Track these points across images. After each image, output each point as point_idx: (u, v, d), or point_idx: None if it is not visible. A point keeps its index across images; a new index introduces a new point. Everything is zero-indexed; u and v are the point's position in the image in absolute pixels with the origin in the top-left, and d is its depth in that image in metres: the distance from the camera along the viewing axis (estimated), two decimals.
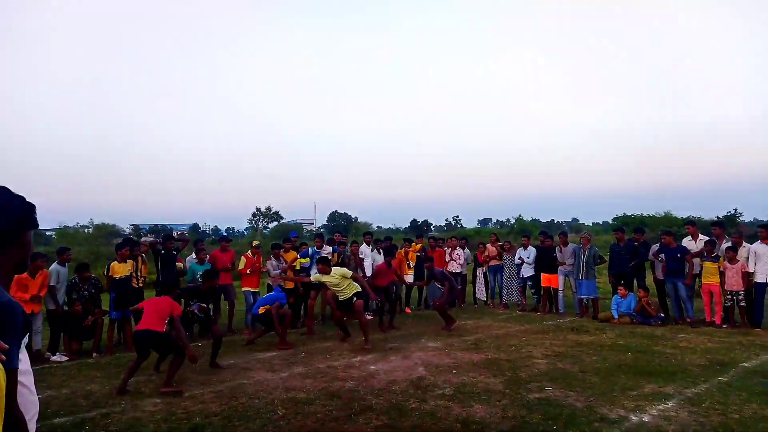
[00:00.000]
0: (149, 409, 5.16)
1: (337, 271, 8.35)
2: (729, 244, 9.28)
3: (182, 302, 7.20)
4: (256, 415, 4.88)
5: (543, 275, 11.39)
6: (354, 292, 8.26)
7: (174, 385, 5.76)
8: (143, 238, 11.26)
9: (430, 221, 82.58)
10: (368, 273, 11.00)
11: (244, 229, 71.71)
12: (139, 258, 8.88)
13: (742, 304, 8.99)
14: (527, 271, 11.73)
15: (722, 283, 9.15)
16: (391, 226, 78.91)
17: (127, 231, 40.66)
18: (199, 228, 73.18)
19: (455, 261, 12.52)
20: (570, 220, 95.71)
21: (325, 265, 8.31)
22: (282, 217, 68.71)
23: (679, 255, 9.64)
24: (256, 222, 67.63)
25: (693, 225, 10.36)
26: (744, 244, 9.19)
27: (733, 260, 9.01)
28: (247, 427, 4.59)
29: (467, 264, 12.96)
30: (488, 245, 12.95)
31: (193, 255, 9.96)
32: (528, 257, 11.72)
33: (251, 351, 7.86)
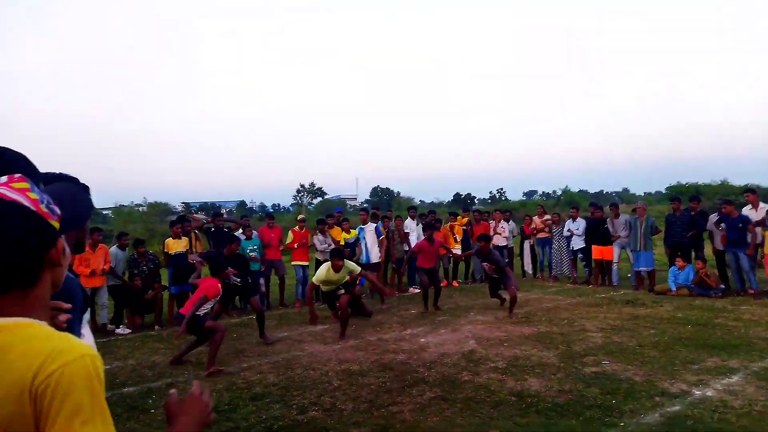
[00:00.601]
0: (212, 379, 5.37)
1: (348, 265, 7.26)
2: None
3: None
4: (312, 386, 5.00)
5: (594, 247, 11.08)
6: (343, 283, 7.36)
7: (215, 366, 5.64)
8: (196, 215, 11.59)
9: (473, 194, 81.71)
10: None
11: (290, 206, 72.94)
12: (192, 235, 9.16)
13: None
14: (577, 243, 11.44)
15: None
16: (434, 200, 78.46)
17: (179, 209, 41.97)
18: (246, 205, 74.76)
19: (500, 234, 12.37)
20: (620, 190, 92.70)
21: (338, 260, 7.10)
22: (325, 193, 69.46)
23: (740, 225, 9.18)
24: (300, 198, 68.64)
25: (753, 193, 9.82)
26: None
27: None
28: (304, 396, 4.72)
29: (513, 237, 12.78)
30: (535, 217, 12.70)
31: (241, 231, 10.20)
32: (577, 229, 11.43)
33: (302, 324, 8.03)
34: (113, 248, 8.58)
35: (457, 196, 77.48)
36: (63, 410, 0.95)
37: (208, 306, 6.27)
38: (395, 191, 79.66)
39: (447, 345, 6.34)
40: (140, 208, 38.34)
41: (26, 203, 1.08)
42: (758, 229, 9.10)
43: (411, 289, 11.06)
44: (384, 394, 4.68)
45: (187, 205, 48.10)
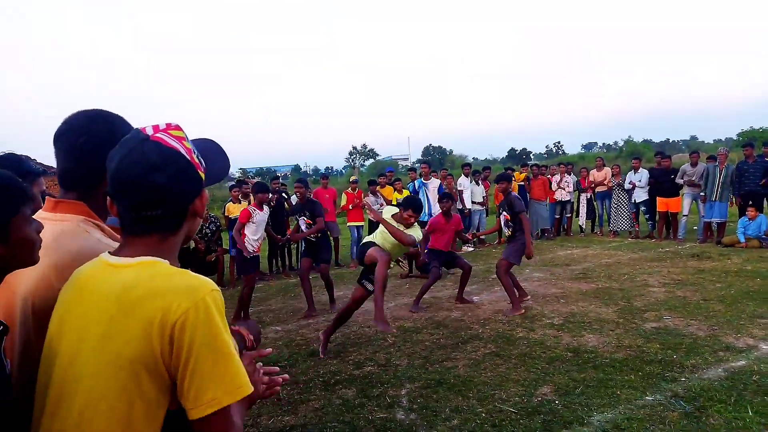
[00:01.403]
0: (271, 336, 5.61)
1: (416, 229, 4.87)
2: None
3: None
4: (367, 342, 5.14)
5: (659, 199, 10.61)
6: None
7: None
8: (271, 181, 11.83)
9: (529, 149, 79.52)
10: (468, 204, 10.91)
11: (342, 168, 73.61)
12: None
13: None
14: (640, 196, 10.99)
15: None
16: (488, 157, 77.05)
17: (237, 174, 43.18)
18: (300, 169, 76.02)
19: (563, 189, 12.04)
20: (688, 138, 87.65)
21: (414, 213, 4.75)
22: (377, 154, 69.56)
23: None
24: (353, 160, 69.06)
25: None
26: None
27: None
28: (359, 353, 4.85)
29: (574, 191, 12.43)
30: (593, 170, 12.25)
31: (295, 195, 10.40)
32: (639, 180, 10.95)
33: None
34: None
35: (512, 151, 75.73)
36: (202, 345, 0.97)
37: (254, 239, 6.42)
38: (448, 149, 78.66)
39: (502, 302, 6.32)
40: None
41: (183, 152, 1.10)
42: None
43: (465, 248, 11.02)
44: (438, 351, 4.75)
45: (243, 170, 49.41)
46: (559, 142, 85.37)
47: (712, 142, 66.32)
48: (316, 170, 78.71)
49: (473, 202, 11.28)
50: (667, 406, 3.35)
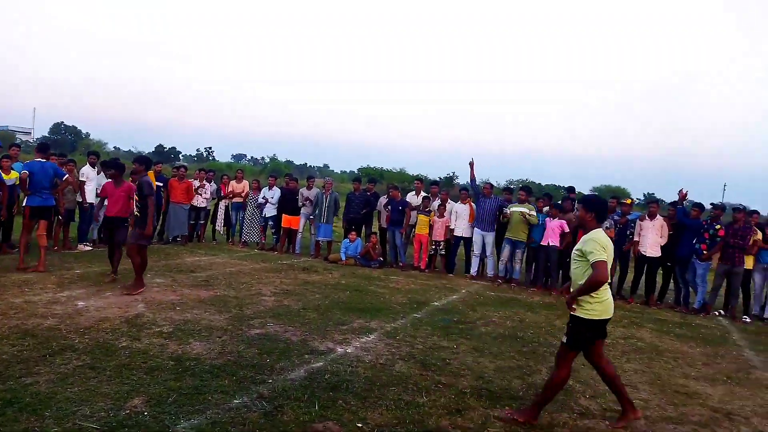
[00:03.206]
0: None
1: None
2: (439, 201, 10.89)
3: None
4: None
5: (284, 216, 11.73)
6: None
7: None
8: None
9: (178, 149, 77.13)
10: (90, 198, 9.78)
11: None
12: None
13: (443, 252, 10.73)
14: (270, 211, 11.93)
15: (430, 233, 10.72)
16: (132, 149, 71.31)
17: None
18: None
19: (201, 195, 12.01)
20: (321, 165, 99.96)
21: None
22: None
23: (400, 207, 10.93)
24: None
25: (420, 181, 11.99)
26: (450, 201, 10.89)
27: (441, 215, 10.60)
28: None
29: (213, 199, 12.57)
30: (232, 181, 12.73)
31: None
32: (272, 197, 11.90)
33: None
34: None
35: (160, 147, 72.00)
36: None
37: None
38: (84, 132, 69.48)
39: (110, 309, 5.84)
40: None
41: None
42: (414, 213, 10.97)
43: (81, 246, 9.82)
44: (17, 365, 4.04)
45: None
46: (210, 148, 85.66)
47: (339, 172, 77.63)
48: None
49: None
50: (251, 407, 3.66)
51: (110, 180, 7.67)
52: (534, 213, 9.74)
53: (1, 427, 3.08)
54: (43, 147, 8.45)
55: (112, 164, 8.18)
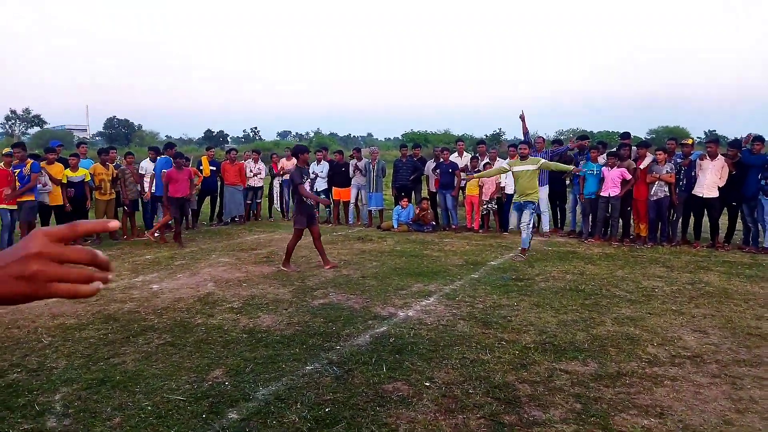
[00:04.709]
0: None
1: None
2: (487, 160, 10.75)
3: None
4: (15, 346, 4.39)
5: (335, 189, 11.91)
6: None
7: None
8: None
9: (226, 132, 78.86)
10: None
11: None
12: None
13: (495, 210, 10.65)
14: (321, 185, 12.12)
15: (481, 193, 10.64)
16: (183, 136, 73.52)
17: None
18: None
19: (257, 176, 12.35)
20: (365, 135, 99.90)
21: None
22: (45, 122, 59.03)
23: (450, 170, 10.87)
24: (10, 127, 57.06)
25: (462, 142, 11.84)
26: (498, 160, 10.73)
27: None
28: (3, 358, 4.12)
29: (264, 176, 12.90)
30: (282, 159, 12.97)
31: None
32: (321, 171, 12.07)
33: None
34: None
35: (208, 132, 73.81)
36: None
37: None
38: (136, 124, 72.04)
39: (183, 290, 6.19)
40: None
41: None
42: (462, 174, 10.90)
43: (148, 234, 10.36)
44: (104, 347, 4.38)
45: None
46: (256, 128, 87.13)
47: (383, 140, 77.37)
48: None
49: None
50: (322, 372, 3.84)
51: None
52: (536, 164, 8.16)
53: (98, 404, 3.37)
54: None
55: (178, 154, 9.68)
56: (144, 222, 10.59)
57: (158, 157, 10.48)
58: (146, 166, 10.48)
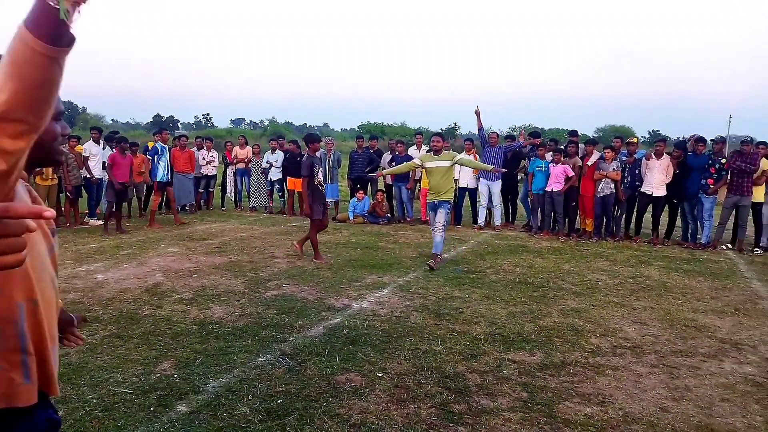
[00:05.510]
0: None
1: None
2: None
3: None
4: None
5: (289, 179, 11.77)
6: None
7: None
8: None
9: (177, 117, 76.54)
10: (96, 173, 9.85)
11: None
12: None
13: None
14: (275, 175, 11.96)
15: None
16: (130, 120, 70.92)
17: None
18: None
19: (210, 164, 12.05)
20: (321, 125, 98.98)
21: None
22: None
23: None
24: None
25: (421, 135, 12.02)
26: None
27: None
28: None
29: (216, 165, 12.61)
30: (236, 147, 12.70)
31: None
32: (276, 161, 11.91)
33: None
34: None
35: (157, 117, 71.40)
36: None
37: None
38: (80, 106, 68.93)
39: (129, 280, 5.99)
40: None
41: None
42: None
43: (92, 221, 9.97)
44: None
45: None
46: (208, 114, 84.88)
47: (339, 130, 76.93)
48: None
49: None
50: (275, 364, 3.82)
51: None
52: (453, 160, 7.29)
53: None
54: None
55: (123, 139, 9.50)
56: (88, 209, 10.18)
57: (153, 145, 10.33)
58: (91, 148, 10.05)
